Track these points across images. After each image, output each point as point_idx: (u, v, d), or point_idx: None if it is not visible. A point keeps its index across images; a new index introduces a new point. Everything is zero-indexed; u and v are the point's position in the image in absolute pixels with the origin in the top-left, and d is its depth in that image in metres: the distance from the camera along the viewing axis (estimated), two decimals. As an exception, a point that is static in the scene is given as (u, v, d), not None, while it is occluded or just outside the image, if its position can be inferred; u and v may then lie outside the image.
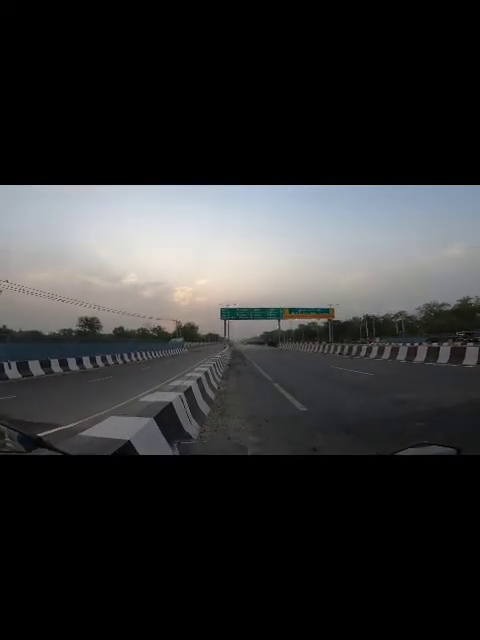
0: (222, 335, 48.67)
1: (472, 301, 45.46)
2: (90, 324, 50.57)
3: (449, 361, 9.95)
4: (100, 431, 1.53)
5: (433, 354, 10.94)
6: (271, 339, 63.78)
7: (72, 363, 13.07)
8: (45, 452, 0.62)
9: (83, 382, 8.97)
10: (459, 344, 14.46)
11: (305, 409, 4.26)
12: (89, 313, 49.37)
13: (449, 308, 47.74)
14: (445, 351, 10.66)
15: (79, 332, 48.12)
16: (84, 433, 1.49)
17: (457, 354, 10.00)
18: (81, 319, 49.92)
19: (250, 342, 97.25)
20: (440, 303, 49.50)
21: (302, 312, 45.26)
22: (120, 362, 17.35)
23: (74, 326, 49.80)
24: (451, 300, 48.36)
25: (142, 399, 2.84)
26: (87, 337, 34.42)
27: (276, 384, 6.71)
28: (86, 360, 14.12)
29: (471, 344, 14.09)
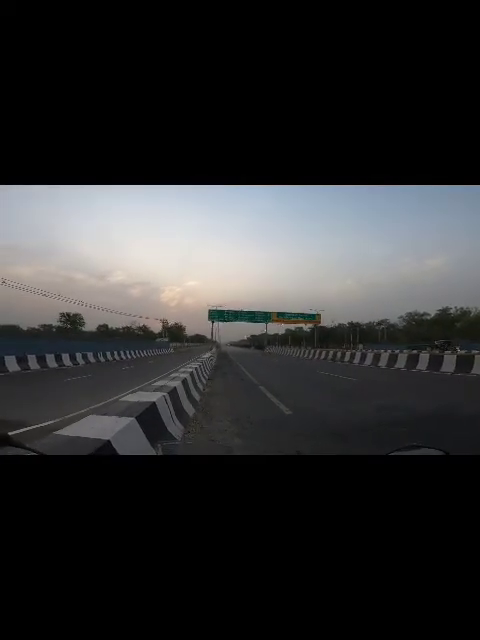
0: (209, 337, 48.52)
1: (451, 311, 47.68)
2: (72, 320, 48.95)
3: (428, 368, 10.34)
4: (77, 430, 1.44)
5: (412, 361, 11.33)
6: (257, 342, 64.22)
7: (51, 360, 12.60)
8: (17, 451, 0.57)
9: (61, 380, 8.62)
10: (437, 352, 15.06)
11: (290, 412, 4.27)
12: (72, 309, 47.88)
13: (430, 317, 49.82)
14: (424, 358, 11.07)
15: (60, 328, 46.46)
16: (60, 432, 1.40)
17: (435, 362, 10.41)
18: (62, 314, 48.28)
19: (236, 345, 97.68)
20: (422, 312, 51.65)
21: (289, 317, 45.79)
22: (102, 360, 16.89)
23: (55, 322, 48.09)
24: (432, 310, 50.59)
25: (123, 398, 2.74)
26: (68, 333, 33.29)
27: (262, 387, 6.71)
28: (66, 357, 13.66)
29: (448, 352, 14.70)
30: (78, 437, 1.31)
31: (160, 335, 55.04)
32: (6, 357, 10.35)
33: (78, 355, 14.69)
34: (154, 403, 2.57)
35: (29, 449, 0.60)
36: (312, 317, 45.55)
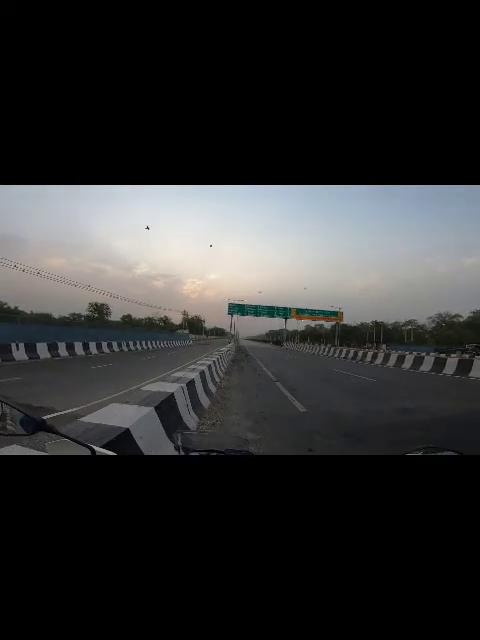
0: (228, 330, 48.76)
1: (486, 314, 44.28)
2: (99, 310, 51.28)
3: (455, 372, 9.78)
4: (100, 418, 1.56)
5: (439, 364, 10.76)
6: (276, 338, 63.71)
7: (79, 348, 13.30)
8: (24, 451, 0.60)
9: (87, 367, 9.11)
10: (467, 356, 14.11)
11: (305, 410, 4.26)
12: (100, 299, 50.16)
13: (462, 319, 46.60)
14: (452, 362, 10.47)
15: (88, 317, 48.85)
16: (84, 419, 1.52)
17: (464, 366, 9.81)
18: (91, 304, 50.68)
19: (254, 339, 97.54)
20: (453, 314, 48.41)
21: (310, 313, 44.87)
22: (125, 349, 17.58)
23: (84, 311, 50.62)
24: (465, 312, 47.20)
25: (144, 388, 2.88)
26: (95, 323, 34.97)
27: (278, 383, 6.71)
28: (93, 345, 14.36)
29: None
30: (99, 424, 1.42)
31: (180, 327, 56.19)
32: (38, 344, 11.03)
33: (103, 344, 15.38)
34: (172, 394, 2.68)
35: (60, 435, 0.64)
36: (334, 314, 44.27)
